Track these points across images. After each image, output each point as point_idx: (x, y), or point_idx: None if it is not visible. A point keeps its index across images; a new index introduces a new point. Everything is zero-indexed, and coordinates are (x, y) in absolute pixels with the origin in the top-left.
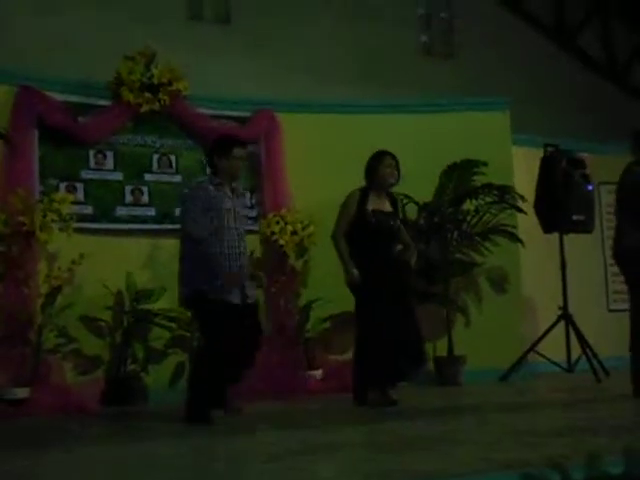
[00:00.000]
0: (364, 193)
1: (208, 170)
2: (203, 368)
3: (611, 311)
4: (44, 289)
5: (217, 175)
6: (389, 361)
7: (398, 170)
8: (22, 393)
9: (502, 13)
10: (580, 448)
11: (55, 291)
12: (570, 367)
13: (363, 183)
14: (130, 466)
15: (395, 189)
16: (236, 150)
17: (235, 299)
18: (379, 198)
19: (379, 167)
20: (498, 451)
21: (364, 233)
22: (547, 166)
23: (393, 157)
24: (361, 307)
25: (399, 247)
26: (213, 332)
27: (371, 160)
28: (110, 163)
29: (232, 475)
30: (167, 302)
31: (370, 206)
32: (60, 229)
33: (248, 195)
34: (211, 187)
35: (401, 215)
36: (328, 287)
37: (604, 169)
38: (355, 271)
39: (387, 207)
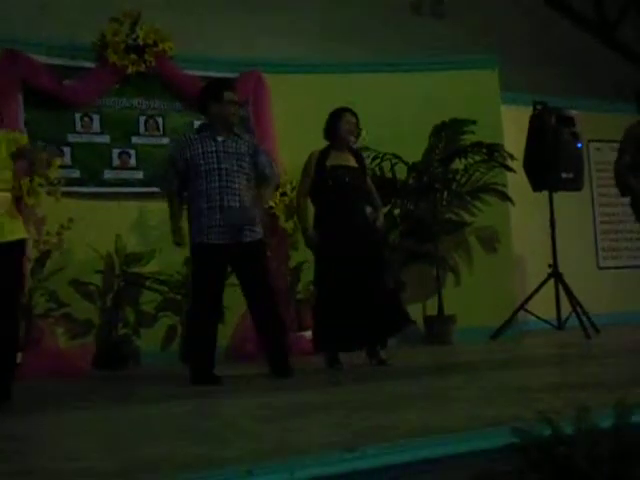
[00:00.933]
0: (324, 152)
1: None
2: (189, 326)
3: (601, 269)
4: (33, 254)
5: (211, 122)
6: (343, 323)
7: (358, 127)
8: None
9: None
10: (570, 403)
11: (44, 256)
12: (560, 325)
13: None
14: (123, 429)
15: (384, 149)
16: (227, 93)
17: (217, 239)
18: (341, 155)
19: (339, 124)
20: (489, 407)
21: (325, 190)
22: (536, 124)
23: (353, 113)
24: (317, 269)
25: (369, 210)
26: (195, 280)
27: (330, 117)
28: (97, 126)
29: (228, 436)
30: (157, 265)
31: (330, 163)
32: (48, 193)
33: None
34: (191, 136)
35: (375, 174)
36: None
37: (593, 127)
38: (312, 232)
39: (351, 163)
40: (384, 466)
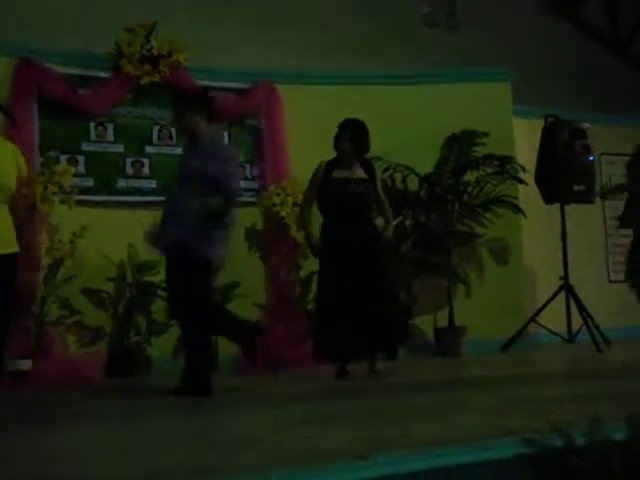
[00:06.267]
0: (332, 163)
1: None
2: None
3: (611, 282)
4: (46, 261)
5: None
6: (337, 334)
7: (357, 139)
8: (25, 365)
9: None
10: (582, 414)
11: (57, 263)
12: (571, 337)
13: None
14: (136, 438)
15: (396, 160)
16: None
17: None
18: (349, 167)
19: (336, 142)
20: (500, 418)
21: (331, 201)
22: (548, 137)
23: (347, 130)
24: (320, 276)
25: (379, 221)
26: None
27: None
28: (110, 135)
29: (242, 444)
30: None
31: (336, 175)
32: (61, 201)
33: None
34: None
35: (387, 184)
36: None
37: (605, 140)
38: (314, 240)
39: (359, 175)
40: (395, 474)
